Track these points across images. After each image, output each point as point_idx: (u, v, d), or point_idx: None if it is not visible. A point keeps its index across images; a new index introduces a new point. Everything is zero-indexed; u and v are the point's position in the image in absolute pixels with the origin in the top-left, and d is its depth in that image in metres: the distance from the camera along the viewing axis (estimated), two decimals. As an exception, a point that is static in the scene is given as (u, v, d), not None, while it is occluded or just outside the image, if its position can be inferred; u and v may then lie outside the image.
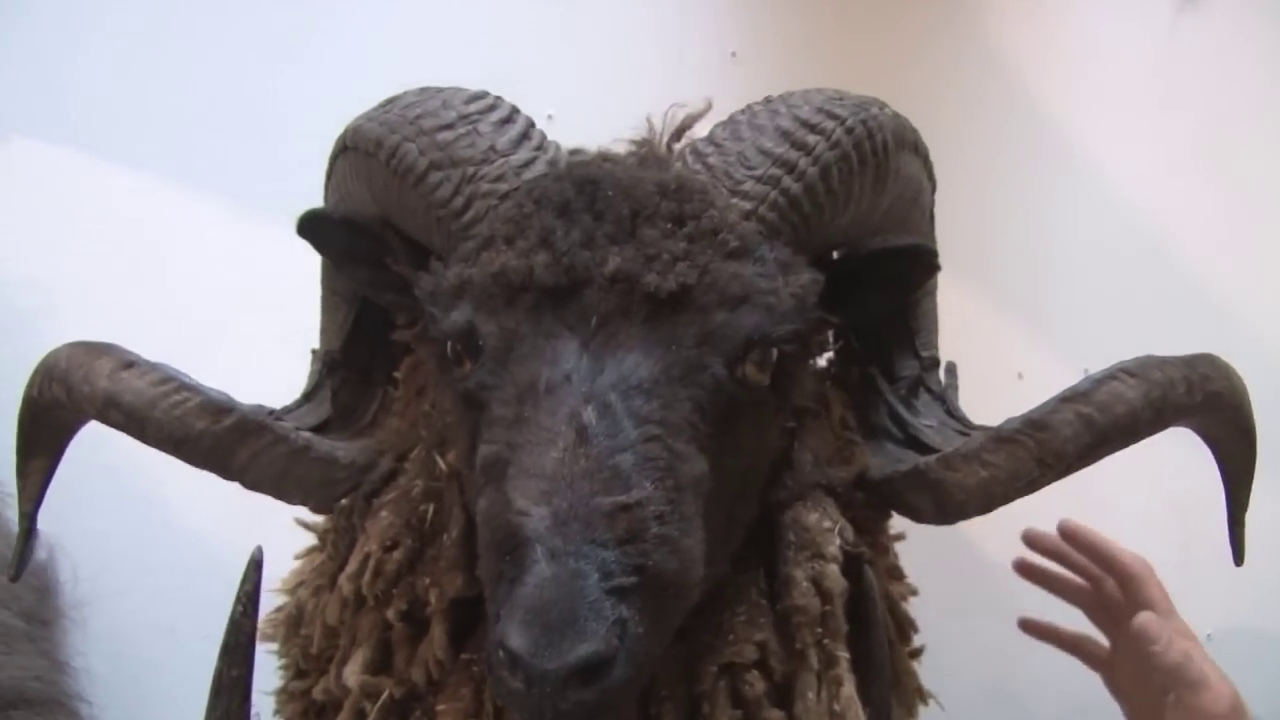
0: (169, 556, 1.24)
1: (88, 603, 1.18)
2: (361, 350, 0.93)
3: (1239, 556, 0.90)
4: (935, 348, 0.94)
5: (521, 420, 0.68)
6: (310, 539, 1.16)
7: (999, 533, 1.20)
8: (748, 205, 0.75)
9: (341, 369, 0.92)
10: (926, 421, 0.89)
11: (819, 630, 0.78)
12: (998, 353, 1.40)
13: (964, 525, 0.86)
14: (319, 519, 1.11)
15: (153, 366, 0.79)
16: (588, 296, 0.70)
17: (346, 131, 0.85)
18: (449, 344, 0.75)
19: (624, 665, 0.62)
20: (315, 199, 1.37)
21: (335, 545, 0.90)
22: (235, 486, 0.89)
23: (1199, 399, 0.77)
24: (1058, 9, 1.50)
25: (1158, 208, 1.43)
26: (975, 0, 1.45)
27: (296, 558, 1.15)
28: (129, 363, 0.79)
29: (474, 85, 0.83)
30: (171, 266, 1.34)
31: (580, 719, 0.63)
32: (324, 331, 0.94)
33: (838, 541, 0.80)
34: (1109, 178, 1.42)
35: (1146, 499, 1.38)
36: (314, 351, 0.94)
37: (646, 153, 0.80)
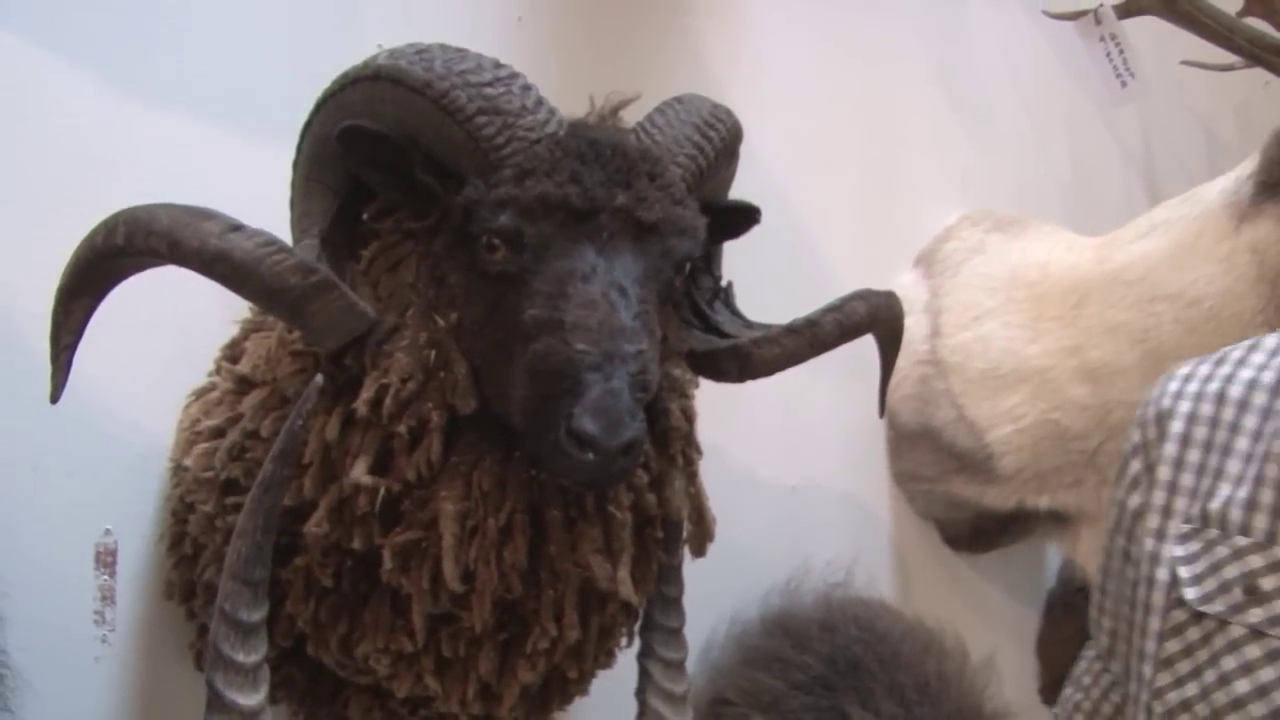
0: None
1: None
2: (338, 233, 1.27)
3: (882, 410, 1.58)
4: (721, 271, 1.50)
5: (565, 294, 1.12)
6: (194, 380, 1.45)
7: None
8: (681, 171, 1.24)
9: (329, 246, 1.25)
10: (722, 317, 1.45)
11: (684, 442, 1.31)
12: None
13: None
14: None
15: (257, 231, 1.09)
16: (602, 219, 1.15)
17: (380, 67, 1.18)
18: (487, 236, 1.15)
19: (641, 444, 1.11)
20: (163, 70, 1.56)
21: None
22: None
23: (888, 315, 1.42)
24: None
25: (798, 185, 2.13)
26: (686, 9, 2.02)
27: (195, 394, 1.44)
28: (235, 226, 1.08)
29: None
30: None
31: (621, 475, 1.12)
32: (307, 214, 1.25)
33: (692, 387, 1.33)
34: (765, 159, 2.08)
35: (769, 390, 2.05)
36: (298, 232, 1.26)
37: (613, 125, 1.26)
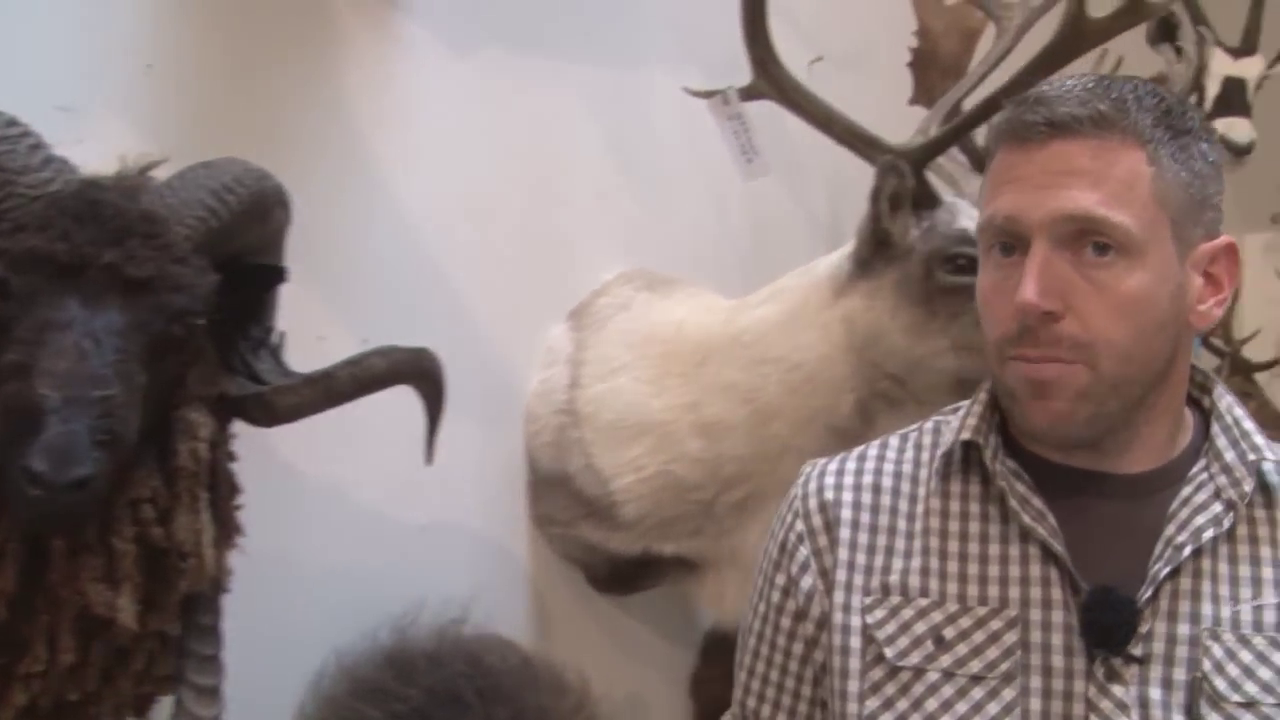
0: None
1: None
2: None
3: (430, 458, 1.77)
4: (274, 321, 1.67)
5: (42, 342, 1.27)
6: None
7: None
8: (188, 231, 1.41)
9: None
10: (265, 366, 1.61)
11: (191, 480, 1.46)
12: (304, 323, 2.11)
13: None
14: None
15: None
16: (90, 274, 1.31)
17: (-111, 122, 1.32)
18: None
19: (97, 484, 1.26)
20: None
21: None
22: None
23: (414, 369, 1.61)
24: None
25: (451, 242, 2.31)
26: (332, 62, 2.18)
27: None
28: None
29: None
30: None
31: (74, 513, 1.26)
32: None
33: (206, 430, 1.49)
34: (413, 213, 2.26)
35: (403, 430, 2.21)
36: None
37: (129, 184, 1.41)
